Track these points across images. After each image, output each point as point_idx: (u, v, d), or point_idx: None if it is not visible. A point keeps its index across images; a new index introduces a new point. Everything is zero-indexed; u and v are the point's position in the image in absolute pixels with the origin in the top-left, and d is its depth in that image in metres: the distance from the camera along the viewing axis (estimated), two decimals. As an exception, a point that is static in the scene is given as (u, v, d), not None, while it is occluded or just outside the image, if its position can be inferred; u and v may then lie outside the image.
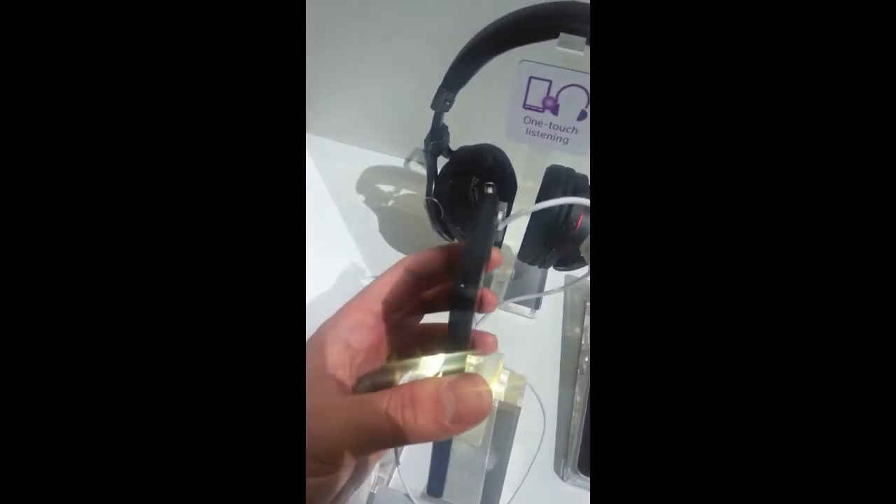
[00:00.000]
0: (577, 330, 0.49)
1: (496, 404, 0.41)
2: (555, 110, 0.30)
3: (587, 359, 0.45)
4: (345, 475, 0.18)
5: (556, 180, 0.39)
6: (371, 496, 0.37)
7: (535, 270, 0.51)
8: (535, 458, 0.40)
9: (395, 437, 0.17)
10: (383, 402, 0.17)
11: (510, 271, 0.53)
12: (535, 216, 0.40)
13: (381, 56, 0.54)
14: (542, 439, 0.42)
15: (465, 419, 0.17)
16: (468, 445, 0.39)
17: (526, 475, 0.40)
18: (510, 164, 0.44)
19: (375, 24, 0.51)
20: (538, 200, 0.40)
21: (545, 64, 0.29)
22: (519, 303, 0.50)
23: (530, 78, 0.29)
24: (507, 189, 0.44)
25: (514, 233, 0.45)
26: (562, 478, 0.40)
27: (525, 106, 0.31)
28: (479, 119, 0.44)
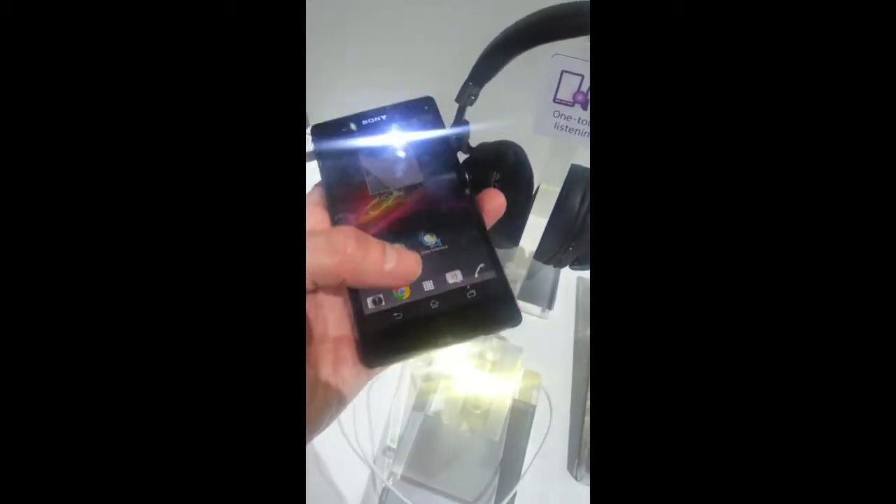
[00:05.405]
0: (589, 332, 0.49)
1: (510, 402, 0.41)
2: (584, 105, 0.31)
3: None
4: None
5: (577, 182, 0.40)
6: (385, 491, 0.37)
7: (547, 270, 0.51)
8: (537, 451, 0.40)
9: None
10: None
11: (522, 271, 0.53)
12: (555, 214, 0.40)
13: (393, 49, 0.54)
14: (546, 435, 0.41)
15: (399, 276, 0.19)
16: (485, 440, 0.39)
17: (535, 472, 0.39)
18: (529, 163, 0.45)
19: (388, 17, 0.51)
20: (559, 201, 0.40)
21: (578, 58, 0.29)
22: (530, 302, 0.50)
23: (562, 72, 0.30)
24: (525, 188, 0.44)
25: (528, 233, 0.45)
26: (575, 477, 0.40)
27: (555, 100, 0.31)
28: (495, 117, 0.44)
